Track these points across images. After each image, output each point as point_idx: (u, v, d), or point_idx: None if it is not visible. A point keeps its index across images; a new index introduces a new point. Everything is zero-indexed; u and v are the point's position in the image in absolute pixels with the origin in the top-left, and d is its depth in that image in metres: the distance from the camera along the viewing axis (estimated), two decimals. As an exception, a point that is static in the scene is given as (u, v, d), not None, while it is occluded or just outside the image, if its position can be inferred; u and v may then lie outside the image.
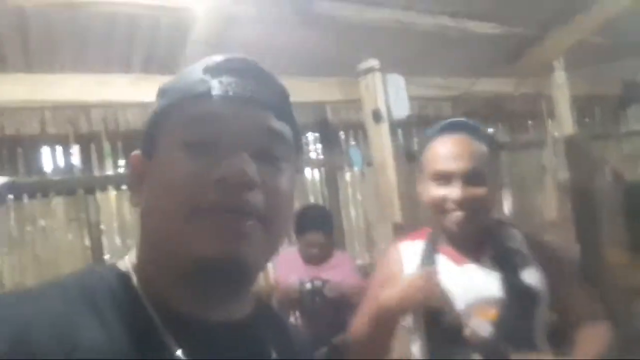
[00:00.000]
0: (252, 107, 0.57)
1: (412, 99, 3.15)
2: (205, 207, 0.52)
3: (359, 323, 1.33)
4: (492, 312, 1.23)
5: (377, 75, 2.92)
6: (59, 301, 0.52)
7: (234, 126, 0.56)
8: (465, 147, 1.24)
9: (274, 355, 0.63)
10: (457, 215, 1.24)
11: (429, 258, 1.32)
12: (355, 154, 3.56)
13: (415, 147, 4.38)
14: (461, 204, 1.22)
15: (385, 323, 1.26)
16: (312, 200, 3.87)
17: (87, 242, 3.09)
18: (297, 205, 3.66)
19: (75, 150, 3.12)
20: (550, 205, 4.50)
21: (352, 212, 4.11)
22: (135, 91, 2.64)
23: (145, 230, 0.59)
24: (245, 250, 0.53)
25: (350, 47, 3.05)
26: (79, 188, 3.09)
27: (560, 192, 4.19)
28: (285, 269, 2.92)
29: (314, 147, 3.98)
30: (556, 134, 4.41)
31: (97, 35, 2.57)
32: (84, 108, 3.00)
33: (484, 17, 3.42)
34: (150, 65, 2.80)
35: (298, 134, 0.64)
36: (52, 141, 3.04)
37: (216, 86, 0.57)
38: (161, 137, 0.58)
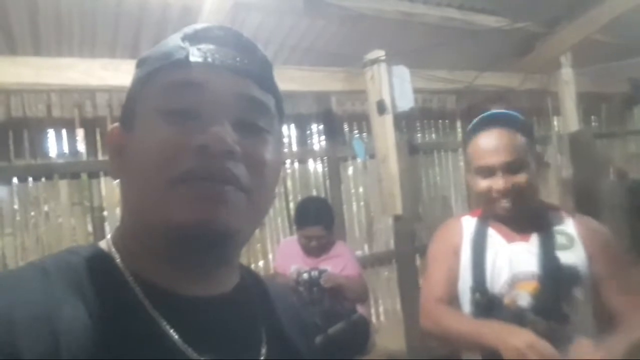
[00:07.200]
0: (233, 75, 0.56)
1: (416, 91, 3.15)
2: (184, 174, 0.51)
3: (452, 323, 1.41)
4: (533, 286, 1.34)
5: (383, 67, 2.92)
6: (41, 282, 0.50)
7: (214, 94, 0.54)
8: (502, 140, 1.35)
9: (263, 331, 0.62)
10: (504, 202, 1.36)
11: (481, 232, 1.46)
12: (358, 145, 3.56)
13: (418, 140, 4.39)
14: (505, 193, 1.34)
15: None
16: (314, 191, 3.87)
17: (89, 228, 3.12)
18: (298, 196, 3.68)
19: (80, 134, 3.13)
20: (553, 202, 4.49)
21: (354, 204, 4.12)
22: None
23: (127, 203, 0.58)
24: (224, 216, 0.52)
25: (356, 37, 3.05)
26: (83, 172, 3.11)
27: (563, 188, 4.19)
28: (285, 258, 2.93)
29: (317, 138, 3.98)
30: (561, 131, 4.40)
31: (105, 19, 2.58)
32: (90, 92, 3.01)
33: (491, 11, 3.41)
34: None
35: (280, 103, 0.63)
36: (58, 124, 3.06)
37: (195, 53, 0.55)
38: (140, 106, 0.57)
